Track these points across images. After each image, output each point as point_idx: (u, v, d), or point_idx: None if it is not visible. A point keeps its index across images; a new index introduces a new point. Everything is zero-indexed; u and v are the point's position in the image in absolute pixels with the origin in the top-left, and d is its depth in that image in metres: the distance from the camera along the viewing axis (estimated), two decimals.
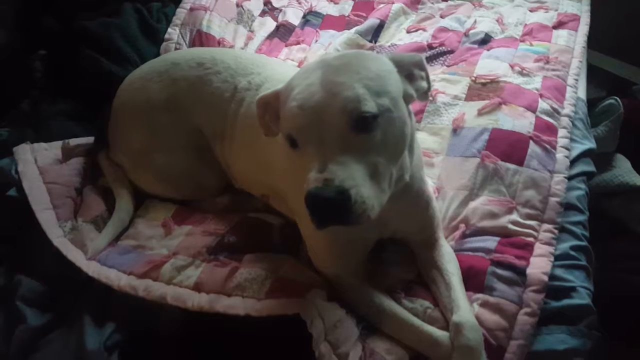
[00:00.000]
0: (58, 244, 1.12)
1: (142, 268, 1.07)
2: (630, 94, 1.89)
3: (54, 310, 1.07)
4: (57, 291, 1.10)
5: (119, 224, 1.19)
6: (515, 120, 1.24)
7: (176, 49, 1.57)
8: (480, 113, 1.28)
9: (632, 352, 1.35)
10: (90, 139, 1.35)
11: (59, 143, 1.32)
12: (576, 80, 1.43)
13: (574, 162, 1.24)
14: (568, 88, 1.38)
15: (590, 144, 1.31)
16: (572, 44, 1.53)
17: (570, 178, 1.19)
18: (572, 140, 1.27)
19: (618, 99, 1.63)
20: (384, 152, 0.80)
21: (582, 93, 1.44)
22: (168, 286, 1.03)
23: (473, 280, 1.01)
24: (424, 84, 0.91)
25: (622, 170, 1.62)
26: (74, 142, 1.33)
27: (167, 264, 1.07)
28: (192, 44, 1.58)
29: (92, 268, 1.08)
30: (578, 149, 1.27)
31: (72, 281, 1.10)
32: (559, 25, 1.60)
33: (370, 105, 0.77)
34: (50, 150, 1.31)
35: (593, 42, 1.65)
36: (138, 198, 1.27)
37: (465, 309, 0.93)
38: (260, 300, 0.97)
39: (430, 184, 1.17)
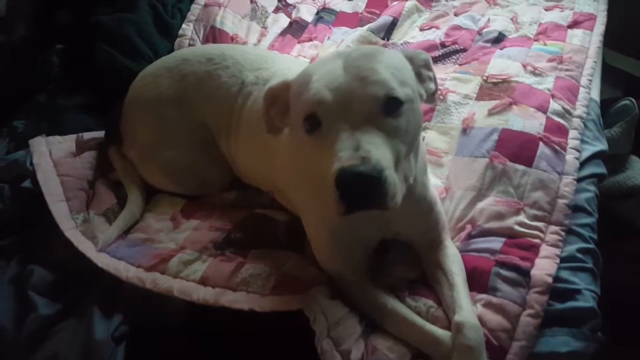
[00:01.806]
0: (69, 235, 1.15)
1: (150, 261, 1.10)
2: None
3: (64, 300, 1.10)
4: (67, 281, 1.13)
5: (130, 217, 1.21)
6: (526, 120, 1.23)
7: (190, 44, 1.59)
8: (491, 113, 1.27)
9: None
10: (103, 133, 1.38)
11: (73, 136, 1.35)
12: (590, 80, 1.41)
13: (584, 163, 1.22)
14: (581, 89, 1.36)
15: (601, 146, 1.29)
16: (587, 44, 1.50)
17: (579, 180, 1.17)
18: (583, 141, 1.25)
19: (633, 99, 1.60)
20: (406, 141, 0.81)
21: (595, 94, 1.42)
22: (175, 279, 1.06)
23: (477, 281, 1.01)
24: (432, 86, 0.91)
25: (636, 171, 1.59)
26: (87, 135, 1.36)
27: (175, 257, 1.09)
28: (205, 40, 1.60)
29: (101, 260, 1.11)
30: (589, 150, 1.25)
31: (82, 272, 1.13)
32: (574, 24, 1.57)
33: (398, 91, 0.79)
34: (65, 143, 1.34)
35: (609, 40, 1.62)
36: (148, 192, 1.29)
37: (468, 309, 0.93)
38: (264, 295, 0.99)
39: (438, 184, 1.17)
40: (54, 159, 1.29)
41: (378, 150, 0.75)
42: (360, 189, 0.74)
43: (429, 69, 0.90)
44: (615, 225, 1.40)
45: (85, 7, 1.59)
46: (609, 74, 1.70)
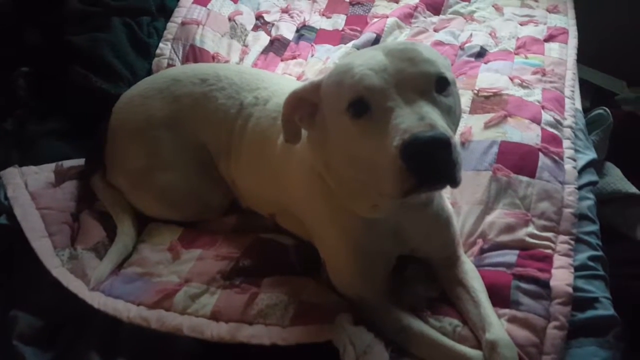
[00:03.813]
0: (57, 274, 1.04)
1: (153, 297, 1.01)
2: (613, 104, 1.96)
3: (56, 348, 0.99)
4: (57, 326, 1.02)
5: (122, 249, 1.12)
6: (523, 132, 1.25)
7: (169, 64, 1.51)
8: (487, 126, 1.28)
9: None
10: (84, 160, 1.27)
11: (50, 166, 1.24)
12: (572, 91, 1.46)
13: (580, 172, 1.24)
14: (566, 100, 1.41)
15: (592, 154, 1.33)
16: (565, 57, 1.56)
17: (578, 188, 1.20)
18: (576, 150, 1.29)
19: (607, 109, 1.68)
20: (455, 123, 0.82)
21: (578, 104, 1.47)
22: (183, 316, 0.98)
23: (497, 295, 0.99)
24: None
25: (614, 177, 1.66)
26: (67, 164, 1.25)
27: (180, 292, 1.01)
28: (185, 59, 1.53)
29: (97, 299, 1.01)
30: (583, 159, 1.28)
31: (73, 315, 1.02)
32: (549, 38, 1.63)
33: (445, 71, 0.79)
34: (41, 173, 1.23)
35: (578, 55, 1.70)
36: (140, 221, 1.20)
37: (498, 326, 0.91)
38: (285, 327, 0.93)
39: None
40: (31, 191, 1.17)
41: (441, 121, 0.74)
42: (433, 156, 0.71)
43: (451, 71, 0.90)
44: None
45: (54, 27, 1.47)
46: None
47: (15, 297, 1.05)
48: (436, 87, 0.79)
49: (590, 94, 2.00)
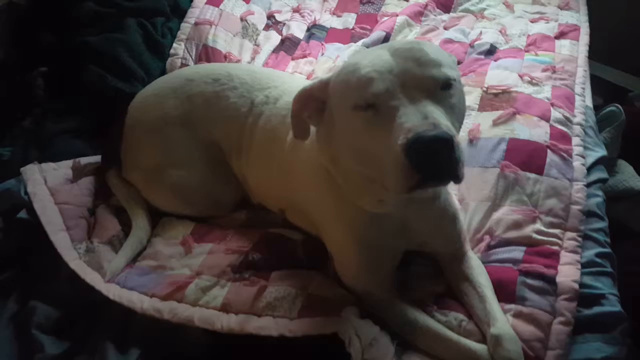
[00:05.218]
0: (75, 266, 1.08)
1: (165, 289, 1.04)
2: (627, 101, 1.94)
3: (73, 337, 1.03)
4: (74, 317, 1.06)
5: (137, 243, 1.15)
6: (532, 129, 1.25)
7: (182, 64, 1.55)
8: (496, 123, 1.29)
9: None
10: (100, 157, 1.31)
11: (68, 162, 1.29)
12: (583, 88, 1.45)
13: (589, 169, 1.25)
14: (577, 97, 1.41)
15: (602, 151, 1.33)
16: (576, 54, 1.55)
17: (587, 185, 1.20)
18: (585, 148, 1.28)
19: (619, 106, 1.66)
20: (459, 121, 0.84)
21: (589, 101, 1.47)
22: (194, 308, 1.01)
23: (503, 291, 1.00)
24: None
25: (626, 175, 1.64)
26: (84, 160, 1.29)
27: (192, 284, 1.04)
28: (198, 58, 1.56)
29: (112, 291, 1.05)
30: (592, 156, 1.28)
31: (89, 305, 1.06)
32: (560, 35, 1.63)
33: (450, 71, 0.81)
34: (60, 169, 1.27)
35: (592, 52, 1.69)
36: (154, 216, 1.23)
37: (503, 320, 0.92)
38: (293, 319, 0.96)
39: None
40: (50, 187, 1.21)
41: (444, 120, 0.76)
42: (436, 154, 0.73)
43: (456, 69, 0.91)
44: (609, 227, 1.44)
45: (69, 28, 1.51)
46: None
47: (34, 288, 1.09)
48: (441, 85, 0.81)
49: (604, 91, 1.98)
